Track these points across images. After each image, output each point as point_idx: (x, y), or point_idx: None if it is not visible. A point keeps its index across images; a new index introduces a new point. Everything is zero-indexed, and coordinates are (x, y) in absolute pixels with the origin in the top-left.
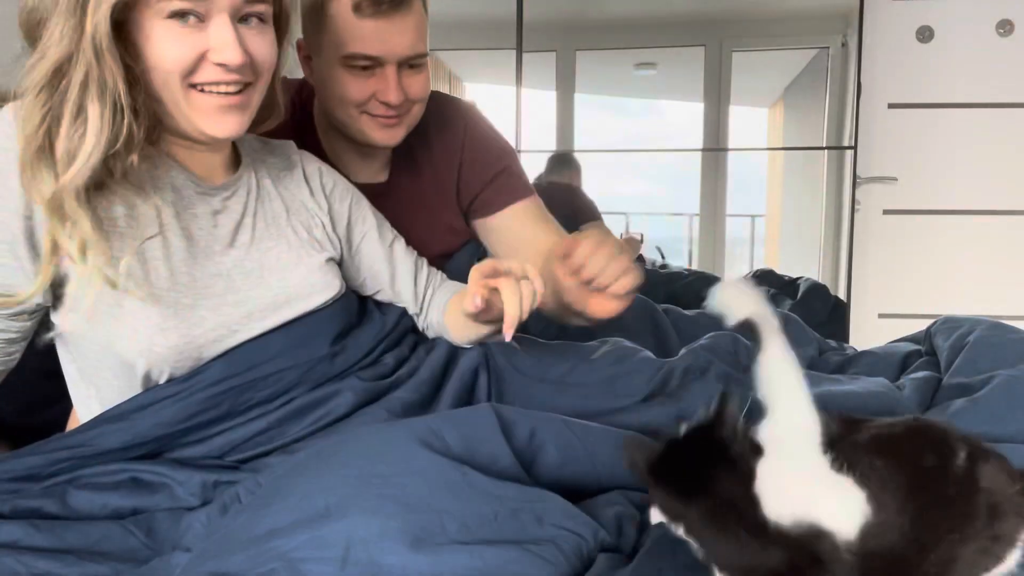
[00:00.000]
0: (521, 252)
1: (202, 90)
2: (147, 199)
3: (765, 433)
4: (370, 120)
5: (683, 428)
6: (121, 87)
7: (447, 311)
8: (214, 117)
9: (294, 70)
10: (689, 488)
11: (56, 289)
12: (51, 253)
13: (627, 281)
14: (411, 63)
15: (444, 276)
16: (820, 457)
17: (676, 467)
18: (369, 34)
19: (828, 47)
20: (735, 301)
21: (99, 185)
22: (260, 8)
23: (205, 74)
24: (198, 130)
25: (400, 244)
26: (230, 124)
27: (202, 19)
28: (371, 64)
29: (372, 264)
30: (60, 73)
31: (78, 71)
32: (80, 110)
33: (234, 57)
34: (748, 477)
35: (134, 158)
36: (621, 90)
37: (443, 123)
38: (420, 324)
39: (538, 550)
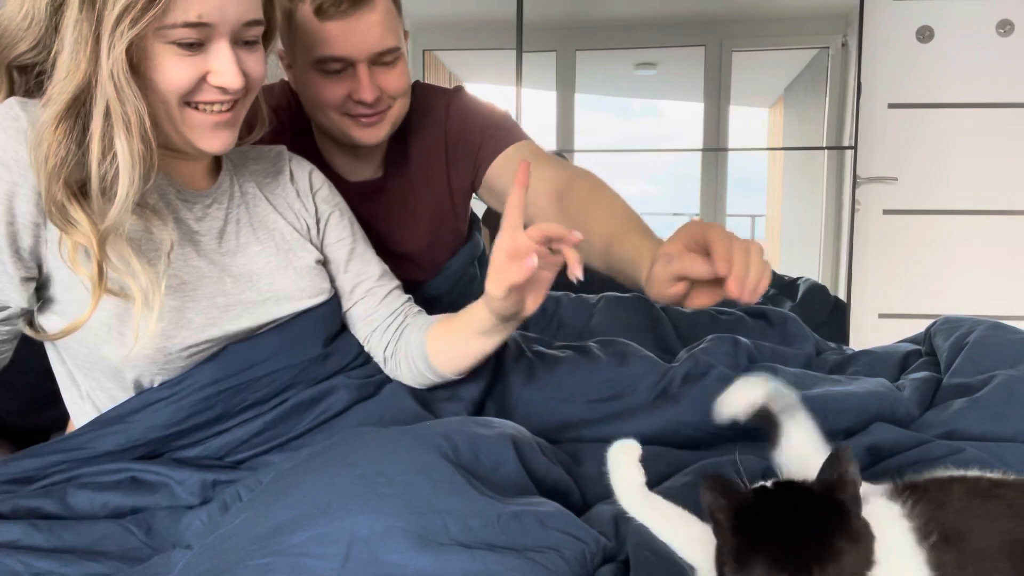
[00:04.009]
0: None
1: (196, 107)
2: (164, 224)
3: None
4: (351, 121)
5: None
6: (147, 121)
7: (431, 339)
8: (207, 133)
9: (281, 73)
10: (799, 555)
11: (41, 292)
12: (99, 279)
13: (766, 282)
14: (383, 59)
15: (417, 314)
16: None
17: (771, 524)
18: (334, 36)
19: (828, 47)
20: (738, 399)
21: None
22: (256, 32)
23: (202, 94)
24: (191, 145)
25: (369, 266)
26: (222, 139)
27: (204, 44)
28: (342, 66)
29: (345, 276)
30: (77, 104)
31: (98, 105)
32: (109, 146)
33: (234, 82)
34: (868, 561)
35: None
36: (621, 90)
37: (425, 112)
38: (380, 355)
39: (541, 558)
